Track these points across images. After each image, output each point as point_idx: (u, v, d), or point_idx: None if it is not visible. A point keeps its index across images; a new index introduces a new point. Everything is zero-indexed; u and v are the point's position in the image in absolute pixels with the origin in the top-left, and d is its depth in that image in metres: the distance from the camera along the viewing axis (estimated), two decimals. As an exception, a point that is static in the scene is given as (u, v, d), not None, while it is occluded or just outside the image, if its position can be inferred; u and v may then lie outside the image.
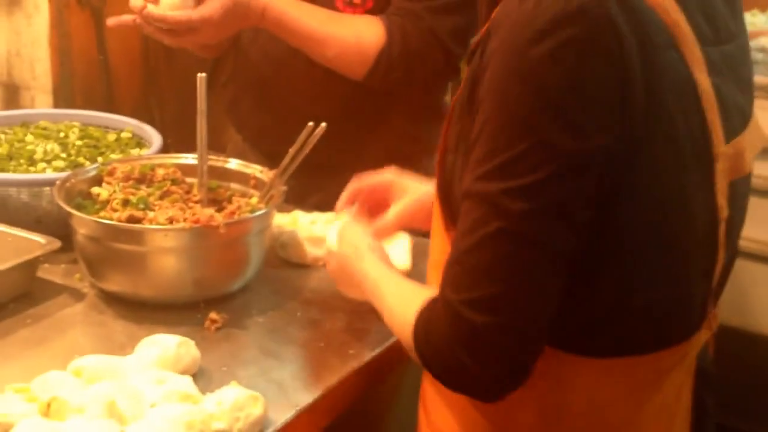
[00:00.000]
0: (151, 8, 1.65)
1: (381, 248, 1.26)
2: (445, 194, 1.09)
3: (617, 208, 0.96)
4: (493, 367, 0.97)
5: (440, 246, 1.11)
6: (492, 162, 0.93)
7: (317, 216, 1.67)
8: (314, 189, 1.79)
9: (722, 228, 1.04)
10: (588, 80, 0.92)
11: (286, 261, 1.62)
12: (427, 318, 1.01)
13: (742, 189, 1.09)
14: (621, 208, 0.97)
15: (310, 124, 1.50)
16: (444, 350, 0.98)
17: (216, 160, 1.62)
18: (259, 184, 1.60)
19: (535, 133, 0.92)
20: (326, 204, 1.56)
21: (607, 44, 0.92)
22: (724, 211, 1.04)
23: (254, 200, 1.56)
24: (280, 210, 1.62)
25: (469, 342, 0.96)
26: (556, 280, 0.96)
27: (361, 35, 1.71)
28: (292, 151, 1.52)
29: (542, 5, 0.92)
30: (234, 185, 1.62)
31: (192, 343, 1.29)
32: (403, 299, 1.11)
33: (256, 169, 1.62)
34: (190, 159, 1.64)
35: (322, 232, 1.59)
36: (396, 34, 1.71)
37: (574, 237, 0.95)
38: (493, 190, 0.93)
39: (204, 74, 1.52)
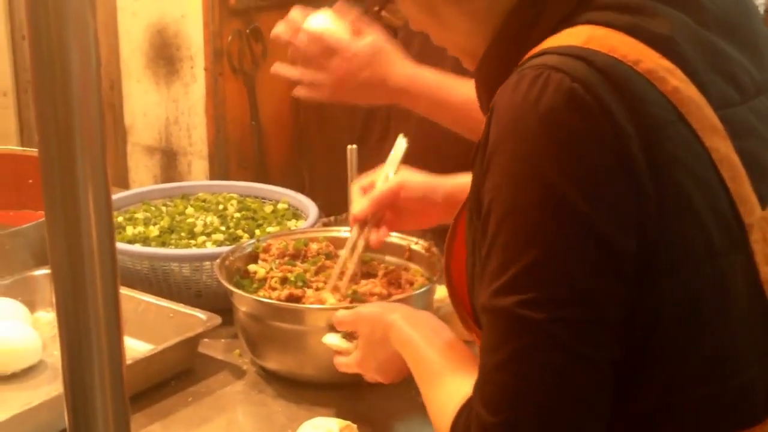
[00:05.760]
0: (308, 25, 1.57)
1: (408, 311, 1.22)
2: (470, 294, 1.01)
3: (647, 310, 0.87)
4: None
5: None
6: (506, 274, 0.86)
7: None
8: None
9: None
10: (594, 173, 0.84)
11: (444, 336, 1.58)
12: None
13: None
14: (650, 310, 0.88)
15: None
16: None
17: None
18: (413, 256, 1.57)
19: (547, 237, 0.84)
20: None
21: (604, 132, 0.84)
22: None
23: (416, 274, 1.53)
24: (440, 282, 1.59)
25: None
26: (601, 390, 0.87)
27: None
28: None
29: (531, 97, 0.84)
30: (388, 257, 1.59)
31: (354, 426, 1.27)
32: (442, 387, 1.02)
33: (411, 241, 1.59)
34: (342, 232, 1.62)
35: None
36: None
37: (610, 339, 0.86)
38: (512, 303, 0.85)
39: (354, 146, 1.51)
